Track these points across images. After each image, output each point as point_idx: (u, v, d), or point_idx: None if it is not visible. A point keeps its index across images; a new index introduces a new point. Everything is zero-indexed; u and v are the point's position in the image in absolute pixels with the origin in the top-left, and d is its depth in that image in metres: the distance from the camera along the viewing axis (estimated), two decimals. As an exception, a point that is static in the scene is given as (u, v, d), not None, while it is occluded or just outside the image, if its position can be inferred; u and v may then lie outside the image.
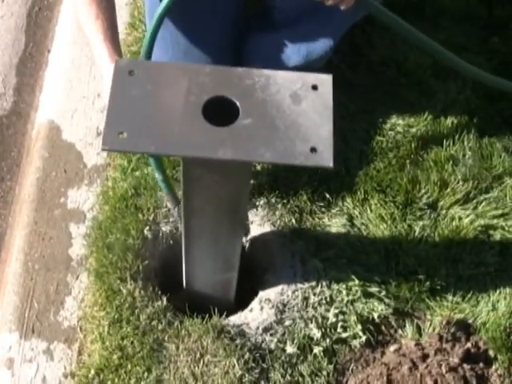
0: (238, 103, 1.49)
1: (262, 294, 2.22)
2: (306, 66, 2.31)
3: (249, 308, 2.20)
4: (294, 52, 2.31)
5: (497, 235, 2.37)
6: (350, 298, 2.18)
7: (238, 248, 1.93)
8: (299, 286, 2.20)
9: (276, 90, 1.51)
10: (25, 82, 2.92)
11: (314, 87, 1.52)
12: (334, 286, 2.20)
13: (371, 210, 2.36)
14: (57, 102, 2.72)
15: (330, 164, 1.44)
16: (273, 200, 2.36)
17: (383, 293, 2.20)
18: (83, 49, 2.80)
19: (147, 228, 2.29)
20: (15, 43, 3.01)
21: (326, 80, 1.54)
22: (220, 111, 1.49)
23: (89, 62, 2.77)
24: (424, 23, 2.60)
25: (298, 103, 1.50)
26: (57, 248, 2.38)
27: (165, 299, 2.18)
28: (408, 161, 2.47)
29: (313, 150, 1.44)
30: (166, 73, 1.56)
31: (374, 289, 2.20)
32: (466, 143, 2.54)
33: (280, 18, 2.33)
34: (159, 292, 2.20)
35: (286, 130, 1.46)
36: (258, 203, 2.36)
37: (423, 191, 2.40)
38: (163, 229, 2.31)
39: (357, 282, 2.20)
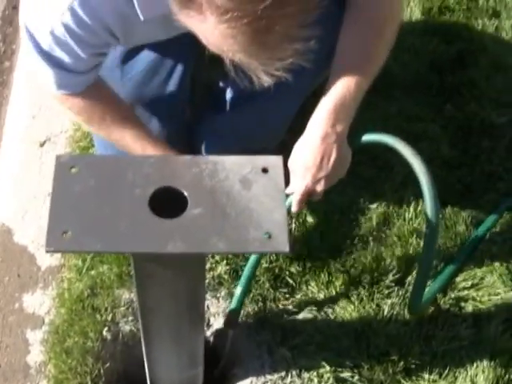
0: (185, 193, 1.43)
1: (230, 389, 2.13)
2: (263, 144, 2.26)
3: (218, 405, 2.11)
4: (249, 131, 2.27)
5: (469, 307, 2.31)
6: (323, 385, 2.10)
7: (201, 343, 1.84)
8: (268, 377, 2.12)
9: (225, 176, 1.46)
10: (-27, 186, 2.84)
11: (265, 170, 1.47)
12: (305, 375, 2.12)
13: (337, 292, 2.29)
14: (6, 204, 2.65)
15: (286, 249, 1.38)
16: (234, 290, 2.28)
17: (356, 377, 2.13)
18: (30, 148, 2.75)
19: (106, 329, 2.20)
20: (-41, 149, 2.94)
21: (276, 162, 1.49)
22: (169, 202, 1.43)
23: (38, 161, 2.71)
24: (376, 97, 2.58)
25: (248, 188, 1.45)
26: (14, 356, 2.30)
27: (129, 403, 2.08)
28: (371, 238, 2.42)
29: (267, 235, 1.38)
30: (108, 166, 1.50)
31: (346, 374, 2.13)
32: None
33: (233, 96, 2.29)
34: (123, 396, 2.11)
35: (238, 217, 1.40)
36: (218, 295, 2.29)
37: (389, 268, 2.34)
38: (123, 328, 2.23)
39: (328, 368, 2.12)
